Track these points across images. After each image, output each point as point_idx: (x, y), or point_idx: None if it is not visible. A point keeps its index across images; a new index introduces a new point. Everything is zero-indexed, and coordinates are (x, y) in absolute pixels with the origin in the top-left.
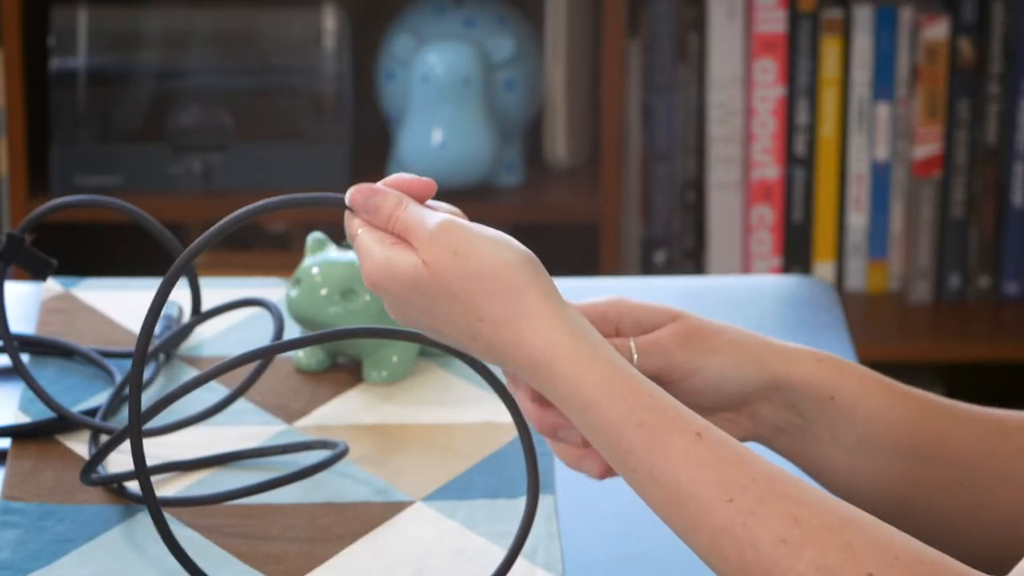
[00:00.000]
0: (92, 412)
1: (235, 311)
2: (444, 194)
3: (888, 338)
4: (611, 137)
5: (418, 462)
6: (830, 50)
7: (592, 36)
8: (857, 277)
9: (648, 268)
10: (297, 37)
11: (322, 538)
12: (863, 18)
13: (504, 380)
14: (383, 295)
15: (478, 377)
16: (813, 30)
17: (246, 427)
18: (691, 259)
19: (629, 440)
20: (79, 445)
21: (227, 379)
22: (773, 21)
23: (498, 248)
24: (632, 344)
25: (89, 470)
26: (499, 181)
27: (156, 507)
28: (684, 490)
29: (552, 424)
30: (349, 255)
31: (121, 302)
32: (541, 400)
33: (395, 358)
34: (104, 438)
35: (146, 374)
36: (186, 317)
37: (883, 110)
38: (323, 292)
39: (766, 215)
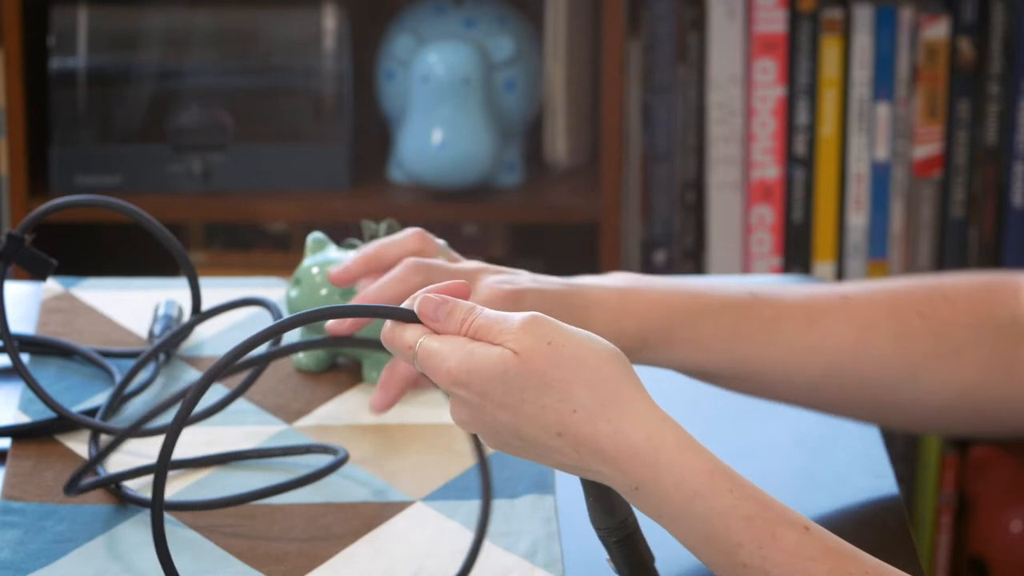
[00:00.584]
0: (92, 412)
1: (235, 311)
2: (444, 194)
3: None
4: (611, 137)
5: (418, 462)
6: (830, 50)
7: (592, 36)
8: (857, 277)
9: (648, 268)
10: (297, 37)
11: (322, 538)
12: (863, 18)
13: None
14: (461, 393)
15: None
16: (813, 30)
17: (246, 427)
18: (691, 259)
19: (739, 532)
20: (79, 445)
21: (232, 383)
22: (773, 21)
23: (591, 340)
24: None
25: (78, 478)
26: (499, 181)
27: (160, 512)
28: None
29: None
30: (349, 255)
31: (121, 302)
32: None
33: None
34: (105, 438)
35: (146, 374)
36: (186, 317)
37: (883, 110)
38: (323, 292)
39: (766, 215)
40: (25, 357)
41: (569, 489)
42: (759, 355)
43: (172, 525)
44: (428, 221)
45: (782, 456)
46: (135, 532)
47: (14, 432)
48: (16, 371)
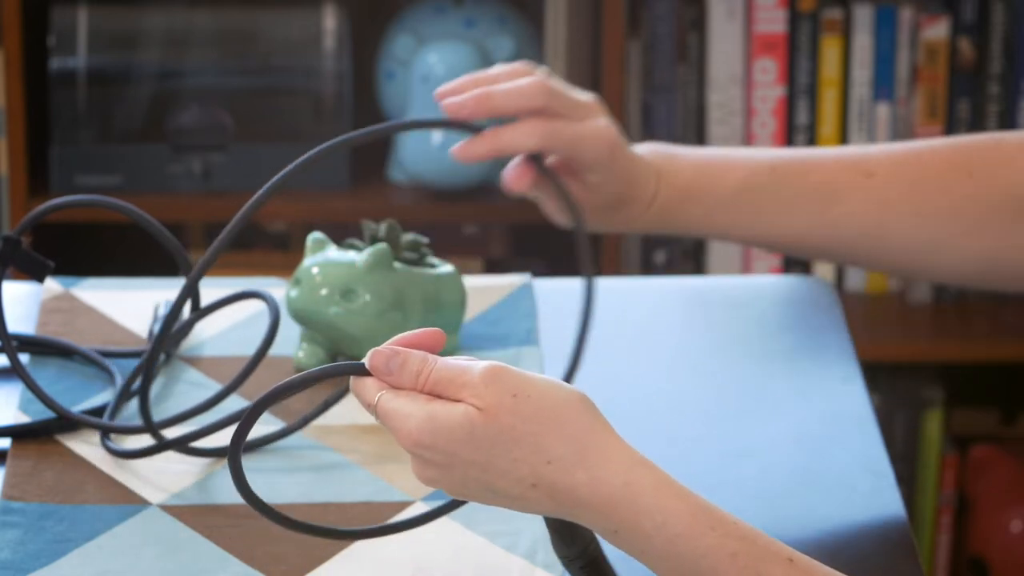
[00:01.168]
0: (93, 411)
1: (235, 311)
2: (444, 194)
3: (888, 338)
4: None
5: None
6: (830, 50)
7: (592, 36)
8: (857, 277)
9: (648, 268)
10: (297, 37)
11: (322, 538)
12: (863, 18)
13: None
14: (426, 455)
15: None
16: (813, 30)
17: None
18: (691, 259)
19: (725, 571)
20: (79, 445)
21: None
22: (773, 21)
23: (555, 388)
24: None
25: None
26: (499, 181)
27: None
28: None
29: None
30: (349, 255)
31: (121, 302)
32: None
33: None
34: (113, 436)
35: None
36: (185, 315)
37: (883, 110)
38: (323, 292)
39: None
40: (25, 357)
41: None
42: (780, 226)
43: (172, 525)
44: (428, 221)
45: (782, 456)
46: (135, 532)
47: (14, 432)
48: (14, 371)
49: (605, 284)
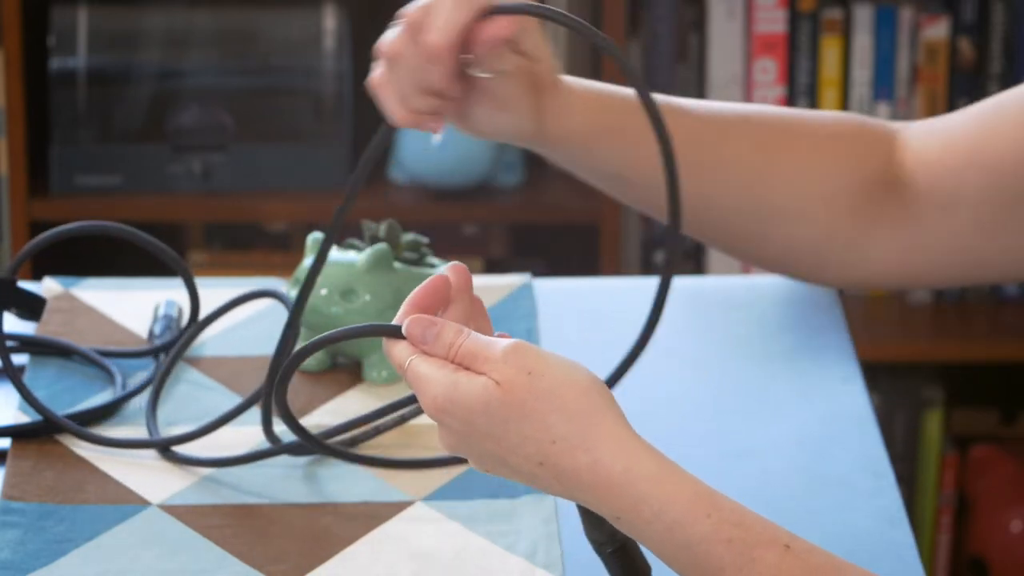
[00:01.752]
0: (93, 411)
1: (236, 311)
2: (444, 194)
3: (888, 338)
4: None
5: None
6: (830, 50)
7: None
8: None
9: (648, 268)
10: (297, 37)
11: (322, 538)
12: (863, 18)
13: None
14: (447, 422)
15: None
16: (813, 30)
17: (245, 427)
18: (691, 259)
19: (720, 557)
20: (79, 445)
21: (234, 383)
22: (773, 21)
23: (571, 370)
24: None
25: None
26: (499, 181)
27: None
28: None
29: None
30: (349, 255)
31: (121, 302)
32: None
33: None
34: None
35: (145, 374)
36: (185, 318)
37: (883, 110)
38: (323, 292)
39: None
40: (25, 357)
41: None
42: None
43: (172, 525)
44: (428, 221)
45: (782, 456)
46: (135, 532)
47: (14, 432)
48: (7, 373)
49: (605, 284)
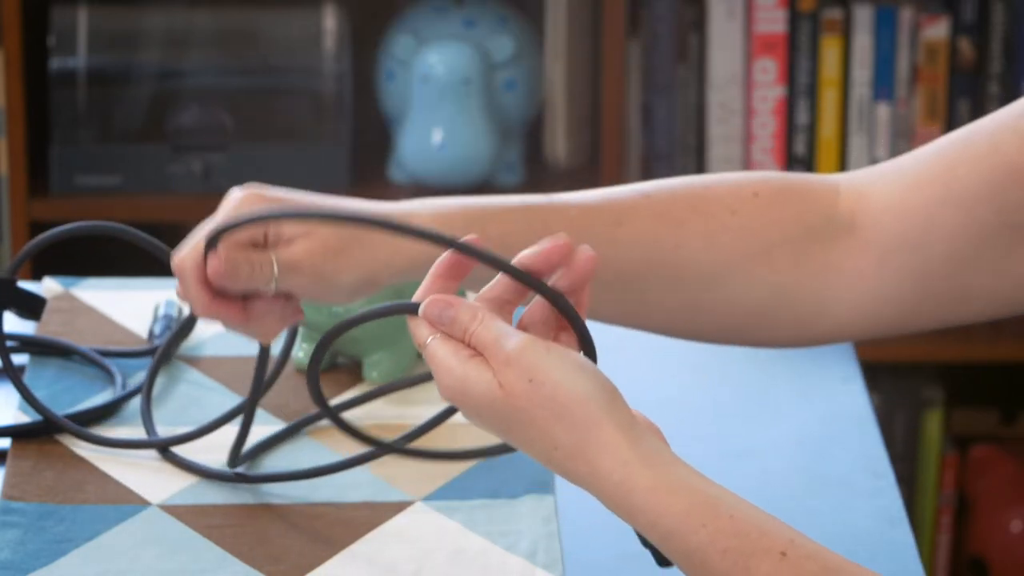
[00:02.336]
0: (93, 412)
1: None
2: (444, 194)
3: (888, 338)
4: (611, 137)
5: (418, 462)
6: (830, 50)
7: (592, 36)
8: None
9: None
10: (297, 37)
11: (322, 538)
12: (863, 18)
13: None
14: (459, 407)
15: None
16: (813, 30)
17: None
18: None
19: (715, 566)
20: (79, 445)
21: (234, 383)
22: (773, 21)
23: (573, 378)
24: (274, 261)
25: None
26: (499, 181)
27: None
28: None
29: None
30: None
31: (121, 302)
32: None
33: (395, 358)
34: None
35: (145, 375)
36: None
37: (883, 110)
38: None
39: None
40: (25, 357)
41: (569, 489)
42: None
43: (172, 525)
44: None
45: (782, 456)
46: (135, 532)
47: (14, 432)
48: (7, 373)
49: None
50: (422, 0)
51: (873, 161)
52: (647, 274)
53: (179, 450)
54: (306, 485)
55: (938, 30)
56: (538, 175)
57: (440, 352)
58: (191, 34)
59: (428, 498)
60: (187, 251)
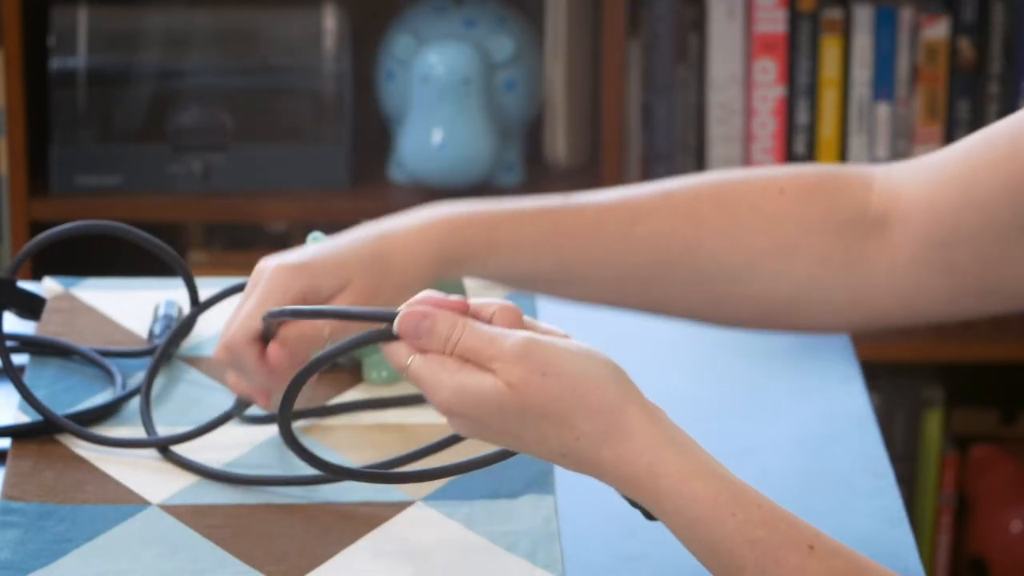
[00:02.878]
0: (93, 412)
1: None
2: (444, 194)
3: (888, 338)
4: (611, 137)
5: (418, 462)
6: (830, 50)
7: (592, 36)
8: None
9: None
10: (297, 37)
11: (322, 538)
12: (863, 18)
13: None
14: (459, 421)
15: None
16: (813, 30)
17: (244, 427)
18: None
19: (742, 556)
20: (79, 445)
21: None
22: (773, 21)
23: (586, 363)
24: (325, 327)
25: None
26: (499, 181)
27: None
28: None
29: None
30: None
31: (121, 302)
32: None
33: None
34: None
35: (144, 374)
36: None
37: (883, 110)
38: None
39: None
40: (25, 357)
41: (569, 489)
42: (584, 255)
43: (172, 525)
44: None
45: (782, 455)
46: (135, 532)
47: (14, 432)
48: (7, 373)
49: None
50: (422, 0)
51: (873, 161)
52: (667, 269)
53: (179, 450)
54: (306, 486)
55: (938, 30)
56: (538, 175)
57: (425, 370)
58: (191, 34)
59: (428, 498)
60: (238, 339)
